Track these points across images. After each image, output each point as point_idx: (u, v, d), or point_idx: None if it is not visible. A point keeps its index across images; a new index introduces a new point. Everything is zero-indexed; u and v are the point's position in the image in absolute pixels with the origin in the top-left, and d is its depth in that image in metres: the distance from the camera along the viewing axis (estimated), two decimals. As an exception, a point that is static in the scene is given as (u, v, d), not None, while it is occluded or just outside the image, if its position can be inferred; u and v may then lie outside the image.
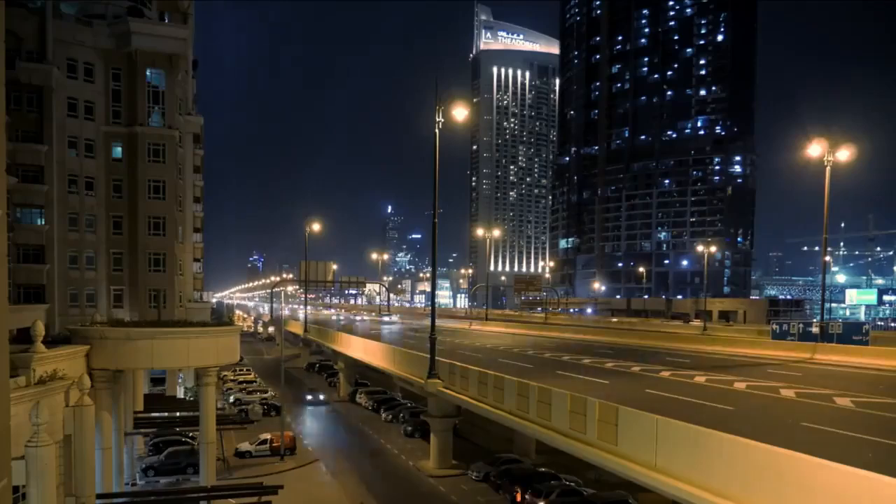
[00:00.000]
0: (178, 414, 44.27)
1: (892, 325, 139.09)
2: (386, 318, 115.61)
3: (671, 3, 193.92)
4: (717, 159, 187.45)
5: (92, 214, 48.00)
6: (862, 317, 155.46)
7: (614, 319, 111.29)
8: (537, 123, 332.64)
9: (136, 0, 51.09)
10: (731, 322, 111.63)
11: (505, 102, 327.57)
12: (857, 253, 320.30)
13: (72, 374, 24.15)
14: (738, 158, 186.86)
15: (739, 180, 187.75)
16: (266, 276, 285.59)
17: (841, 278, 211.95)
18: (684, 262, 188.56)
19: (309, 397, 68.31)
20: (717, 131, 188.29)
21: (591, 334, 68.68)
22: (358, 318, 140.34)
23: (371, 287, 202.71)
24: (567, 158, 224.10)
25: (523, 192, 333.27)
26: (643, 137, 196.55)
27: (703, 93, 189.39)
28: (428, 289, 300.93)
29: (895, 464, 14.61)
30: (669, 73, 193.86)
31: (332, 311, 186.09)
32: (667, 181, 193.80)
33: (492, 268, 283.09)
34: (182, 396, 54.54)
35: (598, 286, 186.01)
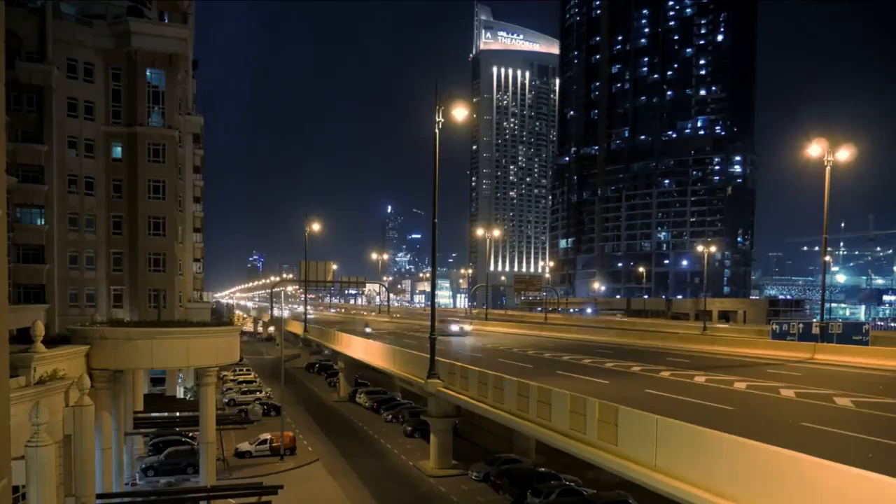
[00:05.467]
0: (178, 414, 44.24)
1: (893, 324, 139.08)
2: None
3: (671, 3, 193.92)
4: (717, 159, 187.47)
5: (92, 214, 48.00)
6: (862, 317, 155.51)
7: (618, 318, 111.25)
8: (537, 123, 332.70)
9: (136, 0, 51.09)
10: (731, 322, 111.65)
11: (505, 102, 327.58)
12: (857, 253, 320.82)
13: (72, 374, 24.15)
14: (738, 158, 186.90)
15: (739, 180, 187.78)
16: (266, 276, 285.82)
17: (841, 278, 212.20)
18: (684, 262, 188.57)
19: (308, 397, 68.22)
20: (717, 131, 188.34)
21: (591, 334, 68.67)
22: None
23: (371, 287, 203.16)
24: (567, 158, 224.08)
25: (523, 192, 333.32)
26: (643, 137, 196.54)
27: (702, 93, 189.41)
28: (428, 289, 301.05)
29: (895, 464, 14.61)
30: (669, 73, 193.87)
31: (333, 311, 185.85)
32: (667, 181, 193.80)
33: (492, 268, 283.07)
34: (182, 396, 54.53)
35: (598, 286, 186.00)
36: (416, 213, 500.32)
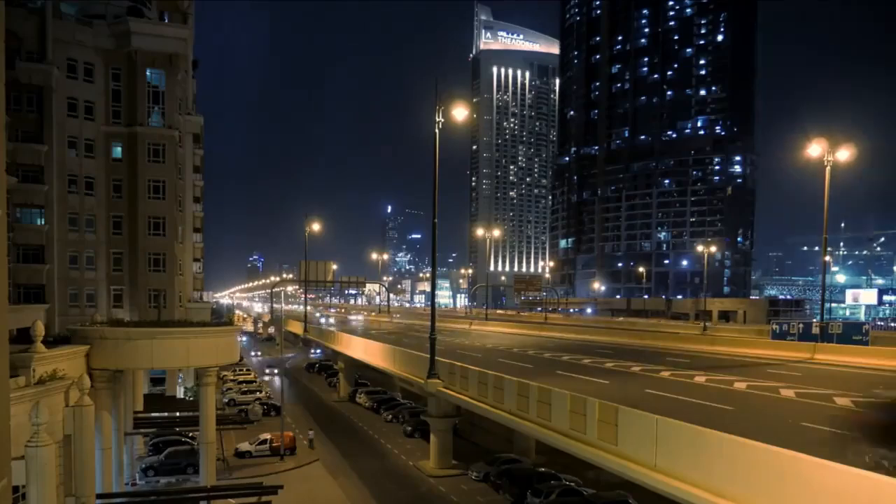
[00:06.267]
0: (178, 414, 44.24)
1: (893, 325, 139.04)
2: None
3: (671, 3, 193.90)
4: (717, 159, 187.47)
5: (92, 214, 47.99)
6: (862, 317, 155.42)
7: (619, 319, 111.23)
8: (537, 123, 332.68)
9: (136, 0, 51.09)
10: (731, 322, 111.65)
11: (505, 102, 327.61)
12: (857, 253, 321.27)
13: (72, 374, 24.15)
14: (738, 158, 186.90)
15: (739, 180, 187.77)
16: (266, 276, 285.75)
17: (841, 278, 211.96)
18: (684, 262, 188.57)
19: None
20: (717, 131, 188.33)
21: (591, 334, 68.67)
22: None
23: (371, 287, 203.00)
24: (567, 158, 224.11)
25: (523, 192, 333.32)
26: (643, 137, 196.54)
27: (702, 93, 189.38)
28: (428, 289, 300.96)
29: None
30: (669, 73, 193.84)
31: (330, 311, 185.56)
32: (667, 181, 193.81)
33: (492, 268, 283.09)
34: (182, 396, 54.52)
35: (598, 286, 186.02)
36: (413, 213, 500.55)
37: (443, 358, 38.06)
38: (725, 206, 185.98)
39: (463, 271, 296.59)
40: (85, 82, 47.48)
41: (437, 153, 35.38)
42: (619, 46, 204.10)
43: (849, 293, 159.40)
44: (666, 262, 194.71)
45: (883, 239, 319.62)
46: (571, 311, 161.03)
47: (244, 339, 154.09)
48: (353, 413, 61.62)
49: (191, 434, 41.29)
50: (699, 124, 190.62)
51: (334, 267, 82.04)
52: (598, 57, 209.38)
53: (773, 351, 46.29)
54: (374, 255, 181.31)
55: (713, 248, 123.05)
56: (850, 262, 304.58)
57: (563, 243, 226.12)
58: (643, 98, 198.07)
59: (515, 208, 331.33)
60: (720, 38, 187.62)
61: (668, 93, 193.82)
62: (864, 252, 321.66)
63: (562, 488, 34.16)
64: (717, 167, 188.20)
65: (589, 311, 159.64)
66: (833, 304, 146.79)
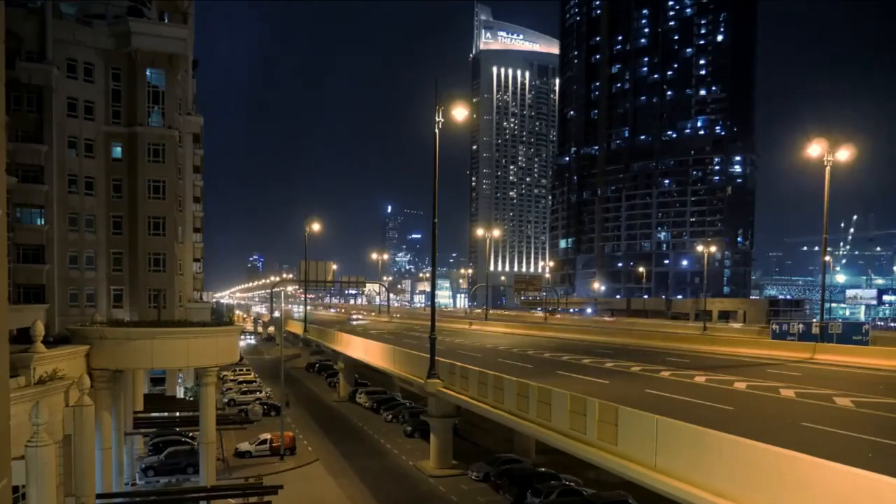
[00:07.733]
0: (178, 414, 44.29)
1: (893, 324, 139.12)
2: None
3: (671, 3, 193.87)
4: (716, 159, 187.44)
5: (92, 214, 47.96)
6: (862, 317, 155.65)
7: (607, 319, 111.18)
8: (537, 123, 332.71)
9: (136, 0, 51.07)
10: (730, 322, 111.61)
11: (505, 102, 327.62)
12: (857, 253, 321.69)
13: (72, 374, 24.15)
14: (737, 158, 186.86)
15: (739, 180, 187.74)
16: (266, 276, 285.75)
17: (841, 278, 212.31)
18: (684, 262, 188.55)
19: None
20: (717, 131, 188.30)
21: (591, 334, 68.60)
22: None
23: (371, 287, 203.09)
24: (567, 158, 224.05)
25: (523, 192, 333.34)
26: (643, 137, 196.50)
27: (702, 93, 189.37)
28: (428, 289, 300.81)
29: (895, 464, 14.61)
30: (669, 73, 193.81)
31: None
32: (667, 181, 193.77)
33: (492, 268, 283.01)
34: (182, 396, 54.53)
35: (598, 286, 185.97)
36: (413, 213, 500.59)
37: (443, 358, 38.05)
38: (725, 206, 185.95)
39: (463, 271, 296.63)
40: (85, 82, 47.44)
41: (437, 153, 35.39)
42: (619, 46, 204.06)
43: (848, 292, 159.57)
44: (666, 262, 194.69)
45: (887, 251, 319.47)
46: (571, 311, 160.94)
47: (252, 340, 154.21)
48: (353, 413, 61.62)
49: (191, 434, 41.31)
50: (699, 124, 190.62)
51: (334, 267, 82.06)
52: (597, 57, 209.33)
53: (772, 351, 46.24)
54: (374, 255, 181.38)
55: (713, 248, 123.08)
56: (845, 262, 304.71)
57: (563, 243, 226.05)
58: (643, 98, 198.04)
59: (515, 208, 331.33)
60: (720, 38, 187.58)
61: (668, 93, 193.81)
62: (865, 252, 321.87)
63: (562, 488, 34.16)
64: (716, 167, 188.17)
65: (589, 311, 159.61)
66: (833, 304, 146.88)
